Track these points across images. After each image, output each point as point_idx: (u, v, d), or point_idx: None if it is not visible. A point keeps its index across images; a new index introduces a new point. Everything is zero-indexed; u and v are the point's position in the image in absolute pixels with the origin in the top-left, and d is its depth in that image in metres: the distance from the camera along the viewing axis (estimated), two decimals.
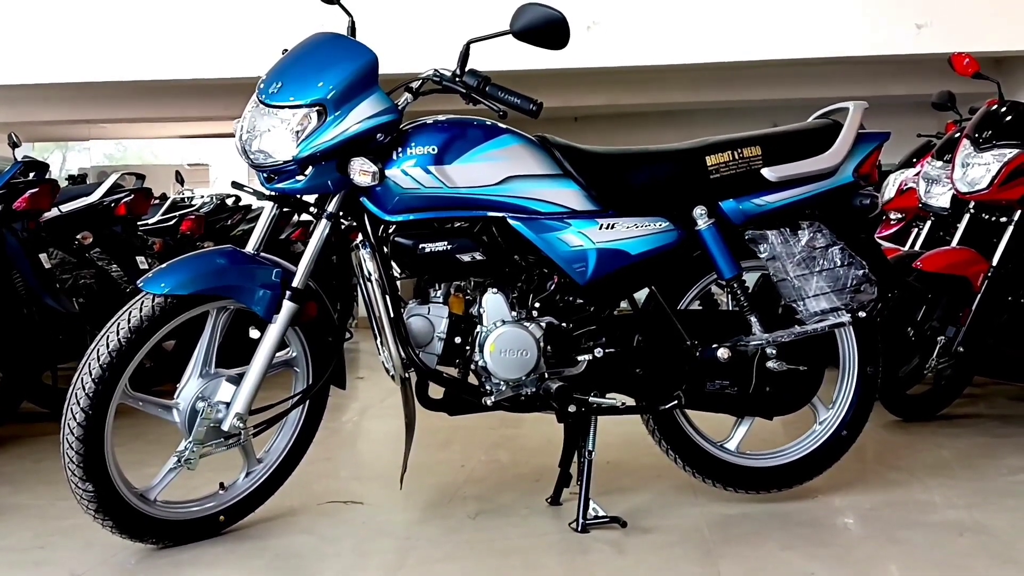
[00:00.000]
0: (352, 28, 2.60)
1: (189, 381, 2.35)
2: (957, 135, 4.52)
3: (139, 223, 4.70)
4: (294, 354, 2.52)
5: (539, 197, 2.43)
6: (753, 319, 2.54)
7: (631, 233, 2.47)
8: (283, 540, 2.44)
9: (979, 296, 3.76)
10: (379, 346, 2.44)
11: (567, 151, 2.48)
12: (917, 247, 4.44)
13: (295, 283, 2.35)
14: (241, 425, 2.32)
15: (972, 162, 3.82)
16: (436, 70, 2.41)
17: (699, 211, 2.51)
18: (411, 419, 2.47)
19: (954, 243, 3.93)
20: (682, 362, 2.53)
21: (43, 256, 3.76)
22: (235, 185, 2.76)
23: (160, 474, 2.36)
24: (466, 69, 2.37)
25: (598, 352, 2.48)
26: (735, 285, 2.54)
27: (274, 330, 2.34)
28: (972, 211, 3.93)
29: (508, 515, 2.62)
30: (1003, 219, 3.85)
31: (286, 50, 2.51)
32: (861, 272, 2.55)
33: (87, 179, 6.80)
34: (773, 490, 2.69)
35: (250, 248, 2.40)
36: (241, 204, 6.02)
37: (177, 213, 5.00)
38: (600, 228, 2.45)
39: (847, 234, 2.58)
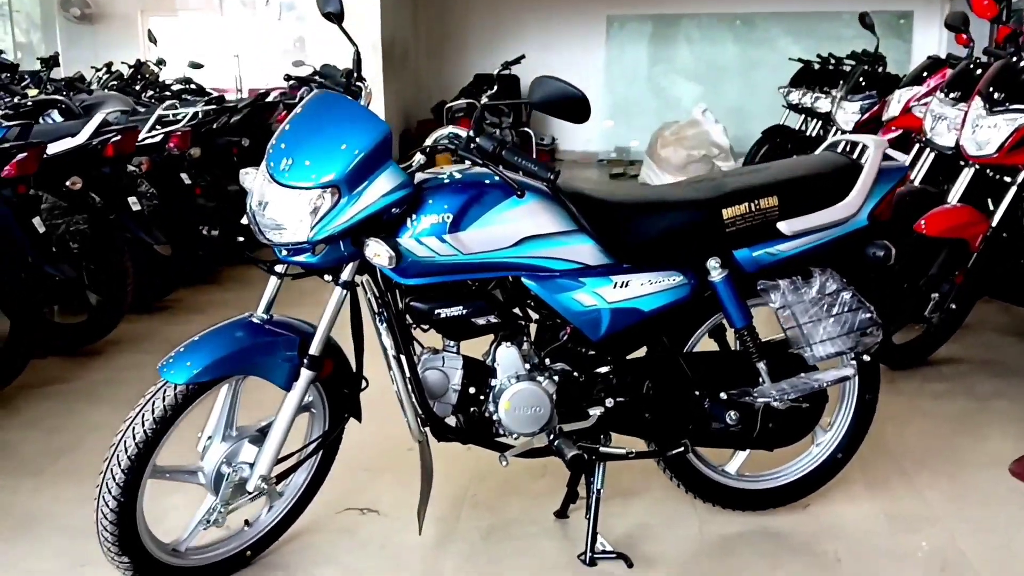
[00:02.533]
0: (357, 58, 2.48)
1: (212, 445, 2.41)
2: (971, 65, 4.39)
3: None
4: (310, 399, 2.57)
5: (554, 255, 2.39)
6: (761, 366, 2.58)
7: (645, 290, 2.46)
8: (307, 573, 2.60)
9: (975, 255, 3.81)
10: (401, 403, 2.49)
11: (579, 201, 2.42)
12: (917, 180, 4.42)
13: (312, 350, 2.35)
14: (265, 486, 2.40)
15: (982, 123, 3.75)
16: (451, 132, 2.32)
17: (713, 263, 2.49)
18: (428, 473, 2.56)
19: (953, 198, 3.91)
20: (690, 408, 2.60)
21: (36, 220, 3.67)
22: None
23: (189, 527, 2.46)
24: (481, 133, 2.28)
25: (609, 403, 2.54)
26: (745, 333, 2.57)
27: (293, 397, 2.36)
28: (977, 167, 3.89)
29: (518, 536, 2.76)
30: (1007, 179, 3.83)
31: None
32: (868, 316, 2.58)
33: (59, 58, 6.51)
34: (768, 508, 2.84)
35: (260, 311, 2.40)
36: (225, 104, 5.82)
37: (164, 130, 4.84)
38: (615, 286, 2.44)
39: (856, 277, 2.59)
